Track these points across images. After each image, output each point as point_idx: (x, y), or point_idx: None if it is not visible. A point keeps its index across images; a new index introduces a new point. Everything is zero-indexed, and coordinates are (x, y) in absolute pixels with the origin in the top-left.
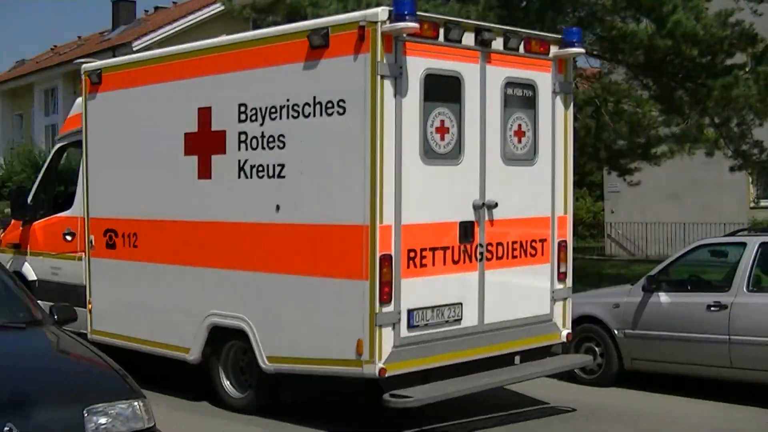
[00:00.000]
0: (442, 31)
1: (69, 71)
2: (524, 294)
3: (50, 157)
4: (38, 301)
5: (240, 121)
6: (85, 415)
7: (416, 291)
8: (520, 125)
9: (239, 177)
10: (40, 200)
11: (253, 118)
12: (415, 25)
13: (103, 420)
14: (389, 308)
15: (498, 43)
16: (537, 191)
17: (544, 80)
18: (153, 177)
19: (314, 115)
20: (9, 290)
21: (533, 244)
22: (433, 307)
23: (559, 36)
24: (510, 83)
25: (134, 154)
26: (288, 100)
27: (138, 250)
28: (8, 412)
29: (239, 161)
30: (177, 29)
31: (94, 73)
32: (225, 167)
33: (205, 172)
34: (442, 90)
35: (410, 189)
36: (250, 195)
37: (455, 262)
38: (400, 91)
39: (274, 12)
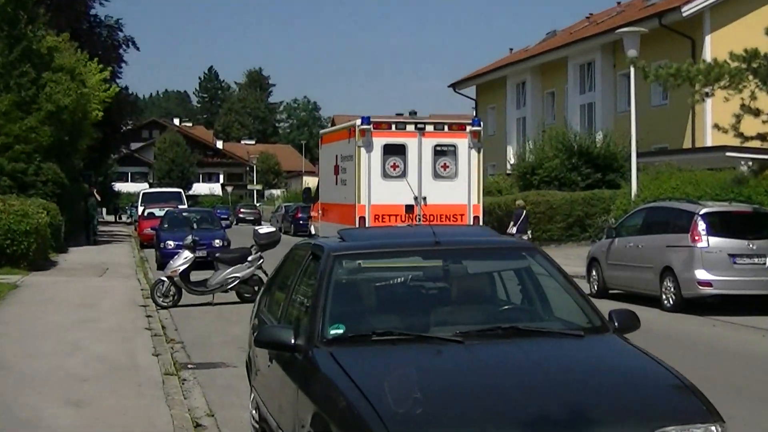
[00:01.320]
0: (393, 125)
1: (607, 42)
2: None
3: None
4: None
5: (341, 161)
6: None
7: None
8: (445, 163)
9: (338, 184)
10: (316, 193)
11: (341, 160)
12: (369, 126)
13: None
14: None
15: (430, 128)
16: (457, 192)
17: (462, 142)
18: (329, 184)
19: (348, 161)
20: (565, 294)
21: (455, 216)
22: None
23: (471, 121)
24: (438, 145)
25: (327, 173)
26: (345, 153)
27: (327, 216)
28: (568, 429)
29: (339, 178)
30: None
31: (321, 135)
32: (340, 180)
33: (337, 182)
34: (395, 150)
35: (375, 190)
36: (341, 192)
37: (403, 221)
38: (368, 152)
39: None
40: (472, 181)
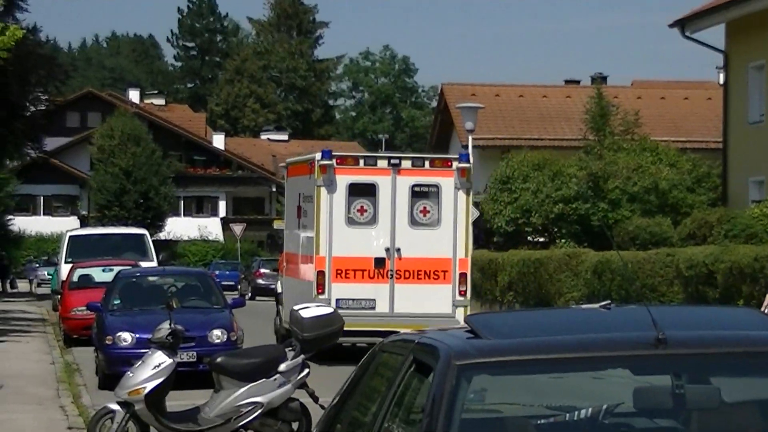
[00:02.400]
0: (362, 160)
1: None
2: (430, 300)
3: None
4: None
5: (303, 201)
6: None
7: (342, 289)
8: (425, 207)
9: (299, 229)
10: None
11: (303, 200)
12: (330, 162)
13: None
14: (324, 296)
15: (407, 163)
16: (440, 243)
17: (447, 182)
18: (292, 229)
19: (309, 202)
20: None
21: (436, 272)
22: (353, 299)
23: (457, 156)
24: (416, 185)
25: (290, 215)
26: (306, 193)
27: (290, 270)
28: None
29: (301, 222)
30: None
31: (286, 165)
32: (302, 224)
33: (299, 226)
34: (363, 190)
35: (338, 239)
36: (302, 240)
37: (371, 278)
38: (330, 192)
39: None
40: (459, 229)
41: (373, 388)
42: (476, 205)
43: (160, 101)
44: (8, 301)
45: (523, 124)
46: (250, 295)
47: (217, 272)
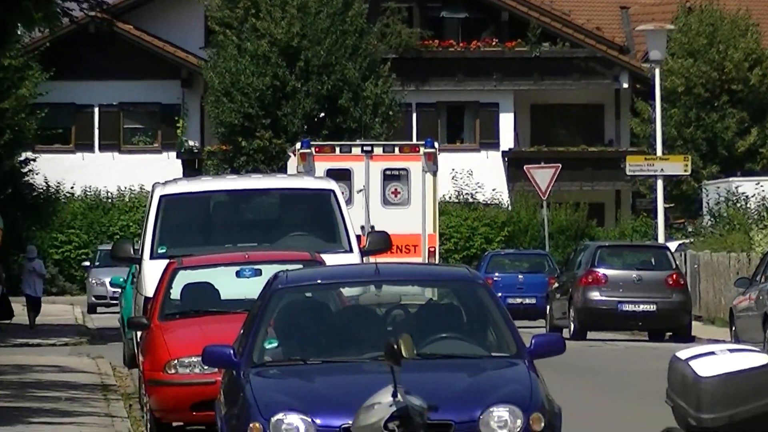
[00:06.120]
0: (338, 148)
1: None
2: None
3: None
4: None
5: None
6: None
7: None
8: (396, 188)
9: None
10: None
11: None
12: (309, 150)
13: None
14: None
15: (379, 150)
16: (410, 220)
17: (416, 165)
18: None
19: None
20: None
21: (407, 246)
22: None
23: (423, 142)
24: (388, 169)
25: None
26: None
27: None
28: None
29: None
30: None
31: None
32: None
33: None
34: (339, 175)
35: None
36: None
37: None
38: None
39: None
40: (427, 208)
41: None
42: None
43: None
44: (29, 344)
45: None
46: (573, 327)
47: (497, 275)
